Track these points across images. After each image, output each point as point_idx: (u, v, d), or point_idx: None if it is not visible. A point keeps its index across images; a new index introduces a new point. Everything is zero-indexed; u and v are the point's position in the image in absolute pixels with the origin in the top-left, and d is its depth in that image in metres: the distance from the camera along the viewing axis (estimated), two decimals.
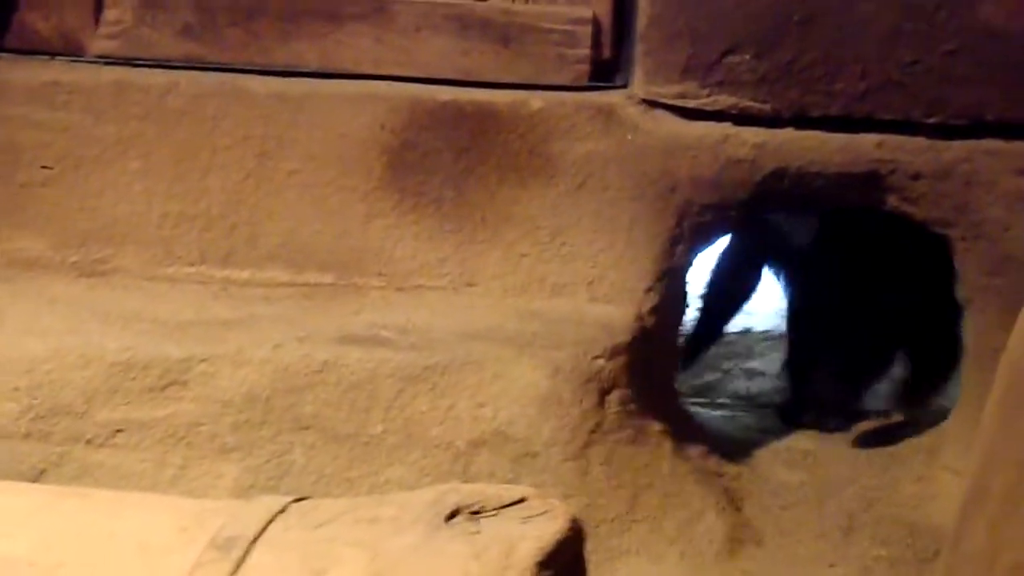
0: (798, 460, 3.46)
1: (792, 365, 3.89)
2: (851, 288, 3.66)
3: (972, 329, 3.36)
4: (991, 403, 1.79)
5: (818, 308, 3.78)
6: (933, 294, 3.57)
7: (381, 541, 1.97)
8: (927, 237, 3.37)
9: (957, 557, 1.76)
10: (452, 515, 2.04)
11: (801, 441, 3.54)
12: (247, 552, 1.94)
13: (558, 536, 2.01)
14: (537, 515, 2.06)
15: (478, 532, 2.01)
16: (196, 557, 1.93)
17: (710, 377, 4.13)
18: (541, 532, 2.01)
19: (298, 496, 2.15)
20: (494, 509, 2.07)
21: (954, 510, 1.88)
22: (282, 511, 2.05)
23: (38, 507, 2.09)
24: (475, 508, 2.06)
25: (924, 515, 3.25)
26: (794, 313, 3.88)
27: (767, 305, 4.42)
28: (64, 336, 3.10)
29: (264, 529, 2.00)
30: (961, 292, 3.41)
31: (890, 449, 3.51)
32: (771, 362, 4.15)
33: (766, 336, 4.43)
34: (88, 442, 3.04)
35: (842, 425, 3.62)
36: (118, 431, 3.04)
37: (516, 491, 2.10)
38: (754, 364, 4.24)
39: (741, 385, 4.11)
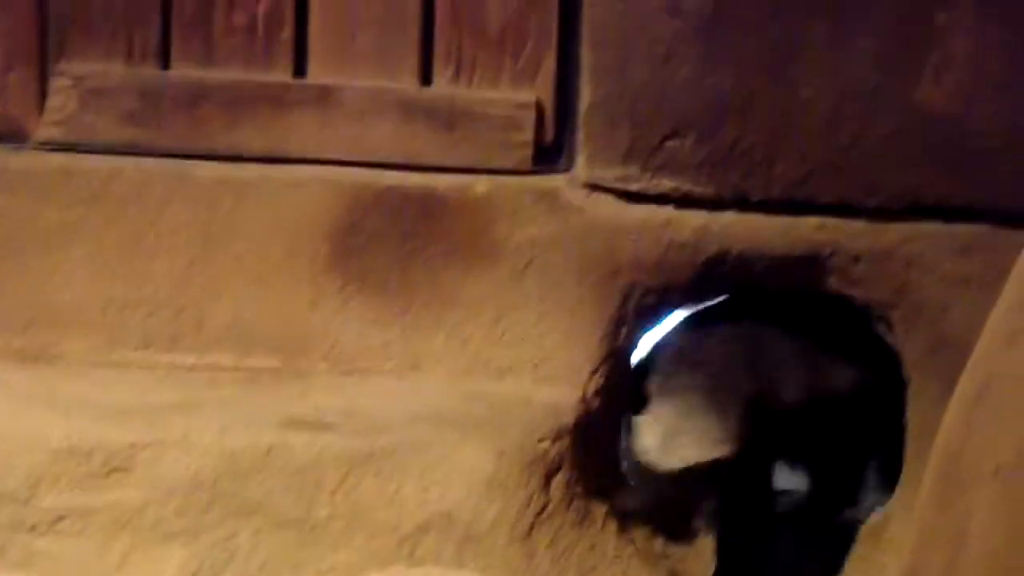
0: None
1: None
2: None
3: (913, 409, 3.38)
4: (926, 482, 1.82)
5: None
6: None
7: None
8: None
9: None
10: None
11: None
12: None
13: None
14: None
15: None
16: None
17: None
18: None
19: None
20: None
21: None
22: None
23: None
24: None
25: None
26: None
27: None
28: (7, 422, 3.09)
29: None
30: (903, 372, 3.44)
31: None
32: None
33: None
34: (32, 528, 3.02)
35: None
36: (61, 517, 3.02)
37: (461, 575, 2.11)
38: None
39: None
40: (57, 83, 3.51)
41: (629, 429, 3.43)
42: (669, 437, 3.37)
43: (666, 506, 3.40)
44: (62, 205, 3.44)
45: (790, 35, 3.26)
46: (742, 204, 3.33)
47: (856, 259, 3.32)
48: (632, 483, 3.41)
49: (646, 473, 3.38)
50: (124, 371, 3.39)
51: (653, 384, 3.46)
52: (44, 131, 3.52)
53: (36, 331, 3.46)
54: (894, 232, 3.31)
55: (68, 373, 3.40)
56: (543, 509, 3.09)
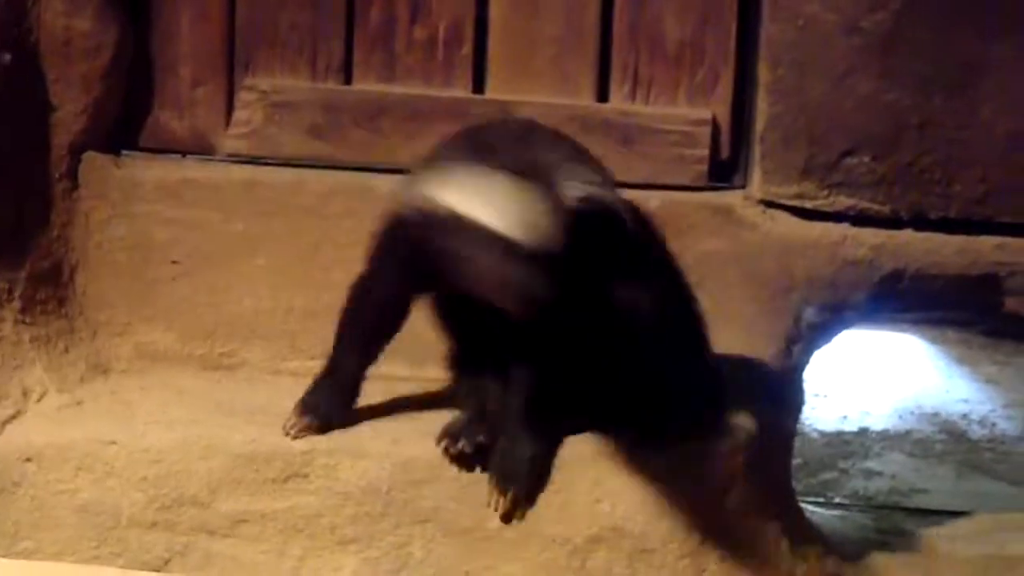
0: (916, 562, 3.43)
1: None
2: None
3: None
4: None
5: None
6: None
7: None
8: None
9: None
10: None
11: (919, 543, 3.51)
12: None
13: None
14: None
15: None
16: None
17: (826, 476, 4.12)
18: None
19: None
20: None
21: None
22: None
23: None
24: None
25: None
26: None
27: (883, 404, 4.42)
28: (190, 428, 3.17)
29: None
30: None
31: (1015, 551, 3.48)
32: (888, 462, 4.14)
33: (883, 436, 4.42)
34: (211, 532, 3.09)
35: None
36: (240, 522, 3.09)
37: None
38: (871, 464, 4.23)
39: (858, 484, 4.10)
40: (244, 97, 3.60)
41: None
42: None
43: None
44: (246, 216, 3.52)
45: (969, 54, 3.24)
46: (919, 223, 3.32)
47: None
48: None
49: None
50: (303, 379, 3.43)
51: None
52: (230, 143, 3.60)
53: (218, 339, 3.54)
54: None
55: (248, 381, 3.48)
56: (715, 524, 3.09)
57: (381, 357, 3.33)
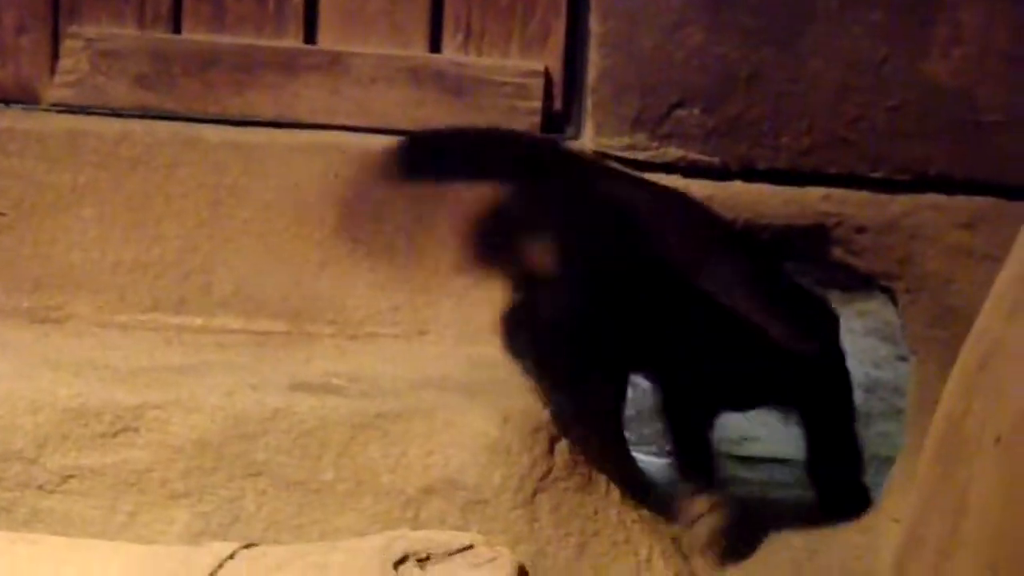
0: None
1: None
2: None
3: (915, 380, 3.40)
4: (927, 452, 1.83)
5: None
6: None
7: None
8: None
9: None
10: (401, 561, 2.07)
11: (750, 490, 3.57)
12: None
13: None
14: (485, 562, 2.10)
15: None
16: None
17: (659, 426, 4.15)
18: None
19: (248, 542, 2.18)
20: (442, 555, 2.09)
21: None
22: (231, 557, 2.07)
23: None
24: (423, 555, 2.09)
25: (867, 565, 3.28)
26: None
27: None
28: (15, 382, 3.11)
29: (213, 575, 2.02)
30: (905, 344, 3.46)
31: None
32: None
33: None
34: (39, 488, 3.04)
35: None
36: (69, 477, 3.04)
37: (464, 538, 2.14)
38: None
39: None
40: (69, 45, 3.53)
41: None
42: None
43: None
44: (72, 167, 3.46)
45: (798, 6, 3.27)
46: (748, 174, 3.35)
47: (860, 230, 3.34)
48: None
49: None
50: (132, 333, 3.41)
51: None
52: (55, 93, 3.53)
53: (45, 292, 3.48)
54: (899, 204, 3.33)
55: (76, 334, 3.42)
56: (547, 475, 3.11)
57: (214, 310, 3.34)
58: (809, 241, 3.38)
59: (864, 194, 3.34)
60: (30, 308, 3.47)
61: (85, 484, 3.04)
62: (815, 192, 3.34)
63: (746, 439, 4.08)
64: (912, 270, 3.35)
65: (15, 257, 3.46)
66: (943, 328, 3.31)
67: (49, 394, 3.07)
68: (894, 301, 3.41)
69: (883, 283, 3.40)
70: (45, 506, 3.03)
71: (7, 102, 3.55)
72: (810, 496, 3.54)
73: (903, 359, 3.73)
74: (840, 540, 3.38)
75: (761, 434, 4.10)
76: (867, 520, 3.39)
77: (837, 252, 3.39)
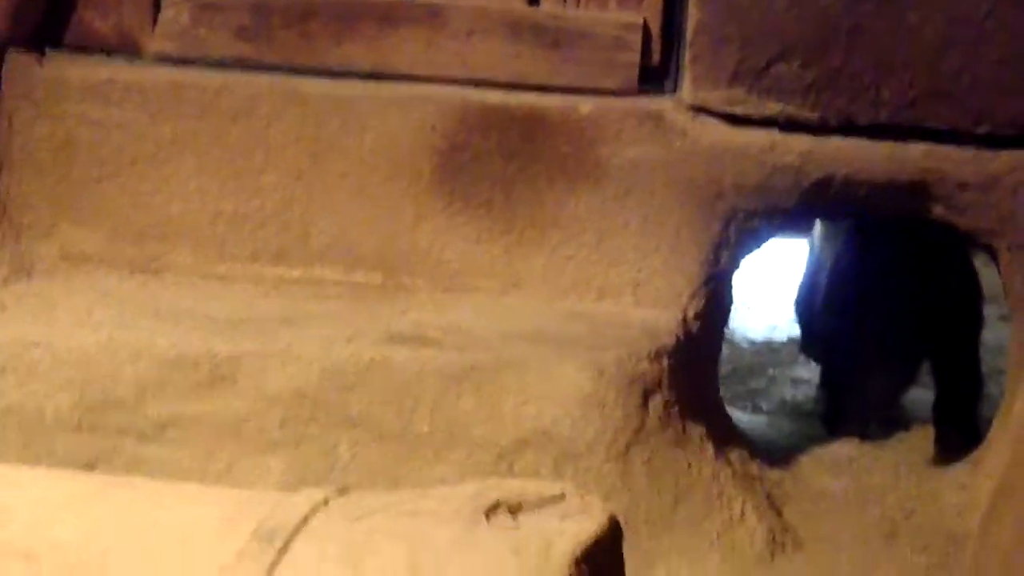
0: (840, 467, 3.47)
1: (831, 374, 3.90)
2: (886, 297, 3.66)
3: (1016, 339, 3.36)
4: (1020, 403, 1.81)
5: (856, 316, 3.77)
6: (960, 306, 3.61)
7: (420, 534, 2.00)
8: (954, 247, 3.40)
9: (985, 551, 1.78)
10: (492, 510, 2.06)
11: (844, 448, 3.54)
12: (288, 543, 1.98)
13: (596, 533, 2.04)
14: (576, 513, 2.09)
15: (517, 528, 2.04)
16: (238, 547, 1.97)
17: (755, 384, 4.15)
18: (579, 529, 2.03)
19: (341, 489, 2.18)
20: (533, 505, 2.09)
21: None
22: (324, 503, 2.08)
23: (87, 495, 2.13)
24: (514, 504, 2.08)
25: (965, 524, 3.25)
26: (834, 321, 3.87)
27: None
28: (116, 331, 3.15)
29: (306, 520, 2.03)
30: (1007, 302, 3.42)
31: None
32: (816, 370, 4.16)
33: None
34: (139, 435, 3.08)
35: (883, 432, 3.63)
36: (168, 425, 3.08)
37: (555, 488, 2.13)
38: (799, 372, 4.26)
39: (786, 392, 4.13)
40: None
41: None
42: None
43: None
44: (173, 118, 3.48)
45: None
46: (848, 129, 3.32)
47: (962, 186, 3.30)
48: None
49: None
50: (231, 283, 3.44)
51: None
52: (157, 44, 3.56)
53: (146, 242, 3.51)
54: (1002, 160, 3.29)
55: (176, 284, 3.46)
56: (640, 428, 3.11)
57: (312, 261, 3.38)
58: (910, 198, 3.34)
59: (967, 150, 3.30)
60: (132, 258, 3.51)
61: (183, 432, 3.08)
62: (916, 148, 3.31)
63: None
64: (1015, 228, 3.31)
65: (117, 207, 3.50)
66: None
67: (149, 343, 3.11)
68: (995, 259, 3.37)
69: (985, 241, 3.36)
70: (144, 453, 3.07)
71: (110, 52, 3.57)
72: None
73: (1005, 319, 3.69)
74: (937, 499, 3.36)
75: None
76: (964, 477, 3.36)
77: (938, 209, 3.35)
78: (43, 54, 3.54)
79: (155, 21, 3.55)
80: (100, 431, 3.07)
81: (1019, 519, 1.67)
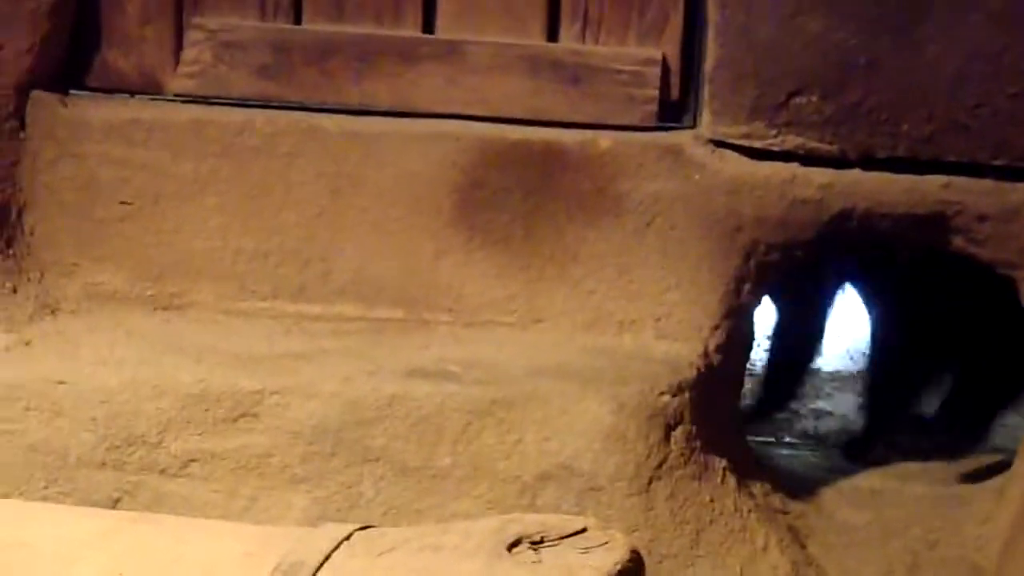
0: (863, 499, 3.46)
1: (872, 402, 3.91)
2: (924, 328, 3.69)
3: None
4: None
5: (897, 347, 3.80)
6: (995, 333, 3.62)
7: (442, 569, 2.01)
8: (989, 278, 3.40)
9: None
10: (514, 544, 2.07)
11: (866, 480, 3.54)
12: None
13: (618, 566, 2.05)
14: (598, 546, 2.10)
15: (539, 561, 2.05)
16: None
17: (777, 416, 4.14)
18: (602, 562, 2.04)
19: (364, 524, 2.20)
20: (555, 539, 2.10)
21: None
22: (347, 538, 2.09)
23: (110, 531, 2.14)
24: (537, 538, 2.09)
25: (988, 556, 3.25)
26: (878, 351, 3.90)
27: (835, 346, 4.43)
28: (139, 368, 3.17)
29: (329, 556, 2.05)
30: None
31: (956, 489, 3.51)
32: (838, 402, 4.16)
33: (834, 376, 4.45)
34: (162, 472, 3.09)
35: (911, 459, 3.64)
36: (191, 461, 3.09)
37: (577, 522, 2.14)
38: (822, 404, 4.25)
39: (808, 425, 4.13)
40: (192, 36, 3.57)
41: None
42: None
43: None
44: (195, 156, 3.50)
45: None
46: (867, 162, 3.32)
47: (981, 218, 3.30)
48: None
49: None
50: (252, 320, 3.45)
51: None
52: (178, 83, 3.58)
53: (168, 280, 3.53)
54: (1021, 192, 3.29)
55: (198, 321, 3.47)
56: (663, 462, 3.11)
57: (332, 297, 3.39)
58: (929, 230, 3.34)
59: (985, 182, 3.30)
60: (154, 295, 3.52)
61: (206, 468, 3.09)
62: (935, 180, 3.31)
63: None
64: None
65: (139, 245, 3.52)
66: None
67: (172, 380, 3.13)
68: (1016, 290, 3.37)
69: (1004, 272, 3.36)
70: (167, 490, 3.09)
71: (132, 92, 3.60)
72: None
73: None
74: (959, 531, 3.35)
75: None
76: (987, 509, 3.35)
77: (958, 241, 3.35)
78: (67, 94, 3.57)
79: (177, 60, 3.58)
80: (123, 468, 3.09)
81: None
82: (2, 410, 3.09)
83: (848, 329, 4.50)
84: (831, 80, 3.29)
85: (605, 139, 3.43)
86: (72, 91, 3.59)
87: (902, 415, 3.80)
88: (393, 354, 3.28)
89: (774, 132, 3.34)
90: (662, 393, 3.17)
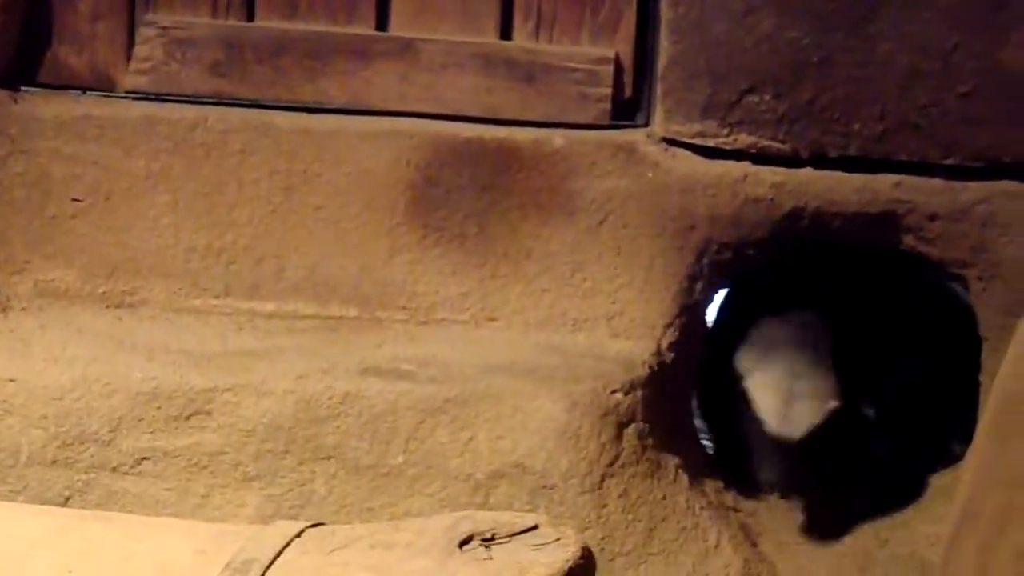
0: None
1: None
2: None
3: (988, 368, 3.38)
4: (982, 425, 1.83)
5: None
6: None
7: (395, 566, 2.01)
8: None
9: None
10: (466, 541, 2.08)
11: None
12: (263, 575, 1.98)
13: (569, 563, 2.05)
14: (549, 543, 2.10)
15: (490, 558, 2.05)
16: None
17: None
18: (553, 559, 2.05)
19: (316, 522, 2.19)
20: (507, 536, 2.10)
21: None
22: (298, 535, 2.09)
23: (61, 529, 2.14)
24: (488, 535, 2.10)
25: (939, 553, 3.26)
26: None
27: None
28: (91, 365, 3.16)
29: (280, 553, 2.04)
30: (979, 331, 3.44)
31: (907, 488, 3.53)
32: None
33: None
34: (113, 470, 3.09)
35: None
36: (143, 459, 3.09)
37: (529, 519, 2.14)
38: None
39: None
40: (144, 33, 3.56)
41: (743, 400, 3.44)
42: (786, 404, 3.37)
43: (795, 474, 3.44)
44: (147, 153, 3.49)
45: None
46: (819, 161, 3.34)
47: (932, 217, 3.32)
48: (757, 455, 3.44)
49: (769, 443, 3.41)
50: (205, 317, 3.44)
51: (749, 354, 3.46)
52: (130, 80, 3.57)
53: (120, 277, 3.51)
54: (971, 191, 3.31)
55: (150, 318, 3.46)
56: (615, 460, 3.12)
57: (285, 295, 3.38)
58: (880, 229, 3.36)
59: (936, 181, 3.32)
60: (106, 293, 3.51)
61: (159, 466, 3.08)
62: (887, 179, 3.33)
63: None
64: (985, 257, 3.33)
65: (91, 243, 3.50)
66: (1017, 315, 3.28)
67: (123, 377, 3.12)
68: (967, 289, 3.39)
69: (956, 271, 3.38)
70: (119, 487, 3.08)
71: (83, 89, 3.58)
72: None
73: None
74: (911, 529, 3.37)
75: None
76: (938, 507, 3.37)
77: (909, 240, 3.37)
78: (17, 91, 3.54)
79: (129, 57, 3.57)
80: (75, 466, 3.08)
81: (981, 547, 1.68)
82: None
83: None
84: (784, 78, 3.30)
85: (558, 137, 3.44)
86: (23, 88, 3.56)
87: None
88: (347, 352, 3.28)
89: (726, 131, 3.35)
90: (615, 391, 3.17)
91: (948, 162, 3.30)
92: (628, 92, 3.50)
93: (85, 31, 3.57)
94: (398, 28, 3.54)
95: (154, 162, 3.49)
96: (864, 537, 3.36)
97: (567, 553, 2.06)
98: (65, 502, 3.06)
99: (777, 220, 3.36)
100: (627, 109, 3.50)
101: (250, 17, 3.58)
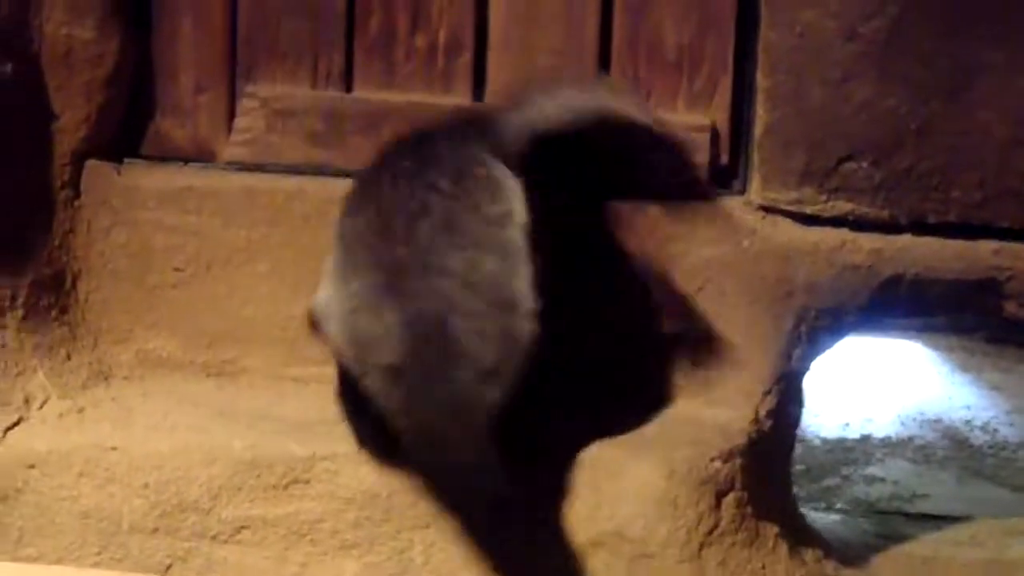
0: (915, 567, 3.44)
1: None
2: None
3: None
4: None
5: None
6: None
7: None
8: None
9: None
10: None
11: (919, 547, 3.52)
12: None
13: None
14: None
15: None
16: None
17: (828, 482, 4.13)
18: None
19: None
20: None
21: None
22: None
23: None
24: None
25: None
26: None
27: (886, 411, 4.42)
28: (191, 434, 3.19)
29: None
30: None
31: (1012, 553, 3.49)
32: (890, 468, 4.14)
33: (885, 442, 4.43)
34: (213, 538, 3.11)
35: None
36: (242, 528, 3.10)
37: None
38: (873, 470, 4.23)
39: (860, 491, 4.11)
40: (245, 104, 3.61)
41: None
42: None
43: None
44: (247, 223, 3.53)
45: (966, 60, 3.25)
46: (918, 227, 3.32)
47: None
48: None
49: None
50: (303, 386, 3.46)
51: None
52: (231, 151, 3.61)
53: (220, 346, 3.55)
54: None
55: (250, 387, 3.49)
56: (714, 529, 3.10)
57: None
58: (981, 295, 3.34)
59: None
60: (205, 362, 3.54)
61: (258, 535, 3.10)
62: (987, 245, 3.31)
63: (916, 496, 4.04)
64: None
65: (192, 312, 3.54)
66: None
67: (223, 446, 3.14)
68: None
69: None
70: (219, 556, 3.10)
71: (185, 160, 3.63)
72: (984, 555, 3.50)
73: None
74: None
75: (932, 491, 4.06)
76: None
77: (1010, 306, 3.34)
78: (121, 163, 3.60)
79: (230, 129, 3.61)
80: (175, 534, 3.10)
81: None
82: (56, 477, 3.11)
83: (899, 393, 4.50)
84: (882, 146, 3.30)
85: (654, 205, 3.44)
86: (127, 159, 3.62)
87: None
88: None
89: (824, 197, 3.34)
90: (713, 459, 3.16)
91: None
92: (724, 159, 3.50)
93: (187, 103, 3.63)
94: (495, 98, 3.56)
95: (253, 232, 3.53)
96: None
97: None
98: (166, 570, 3.09)
99: (876, 287, 3.34)
100: (724, 176, 3.50)
101: (348, 88, 3.62)
